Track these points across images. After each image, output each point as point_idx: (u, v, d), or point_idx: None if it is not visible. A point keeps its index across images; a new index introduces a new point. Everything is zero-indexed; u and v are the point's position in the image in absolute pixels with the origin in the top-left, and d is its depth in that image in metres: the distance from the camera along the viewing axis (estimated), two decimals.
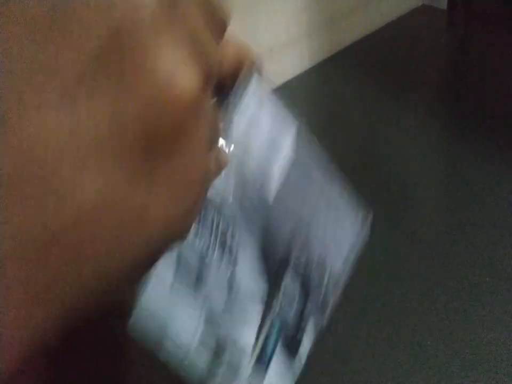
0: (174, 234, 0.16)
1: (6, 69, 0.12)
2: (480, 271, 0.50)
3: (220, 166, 0.19)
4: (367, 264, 0.52)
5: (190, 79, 0.14)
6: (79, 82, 0.12)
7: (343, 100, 0.82)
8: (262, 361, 0.28)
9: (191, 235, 0.25)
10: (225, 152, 0.22)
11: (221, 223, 0.27)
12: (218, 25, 0.17)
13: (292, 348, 0.29)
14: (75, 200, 0.13)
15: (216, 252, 0.26)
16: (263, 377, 0.28)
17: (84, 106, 0.12)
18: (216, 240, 0.26)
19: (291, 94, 0.84)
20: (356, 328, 0.47)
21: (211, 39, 0.16)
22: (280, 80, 0.88)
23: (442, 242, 0.54)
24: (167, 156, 0.14)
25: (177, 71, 0.14)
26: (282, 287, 0.29)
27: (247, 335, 0.28)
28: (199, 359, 0.25)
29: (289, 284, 0.29)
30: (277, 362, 0.29)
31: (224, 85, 0.29)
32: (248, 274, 0.28)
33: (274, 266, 0.29)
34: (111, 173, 0.13)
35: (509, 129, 0.71)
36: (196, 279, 0.26)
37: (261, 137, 0.28)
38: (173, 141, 0.14)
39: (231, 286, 0.27)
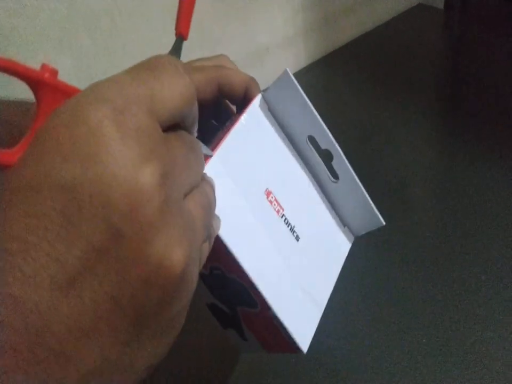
0: (156, 365, 0.18)
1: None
2: (476, 270, 0.51)
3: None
4: (363, 264, 0.52)
5: (178, 260, 0.16)
6: (84, 271, 0.15)
7: (339, 99, 0.82)
8: None
9: None
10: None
11: None
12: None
13: None
14: (80, 366, 0.15)
15: None
16: None
17: (88, 291, 0.15)
18: None
19: None
20: (351, 326, 0.47)
21: (202, 225, 0.19)
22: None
23: (438, 241, 0.55)
24: (155, 319, 0.17)
25: (167, 254, 0.16)
26: None
27: None
28: None
29: None
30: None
31: (229, 108, 0.33)
32: None
33: None
34: (106, 341, 0.16)
35: (505, 128, 0.71)
36: None
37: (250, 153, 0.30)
38: (161, 310, 0.17)
39: None
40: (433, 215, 0.59)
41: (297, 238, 0.30)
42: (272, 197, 0.29)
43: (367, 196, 0.32)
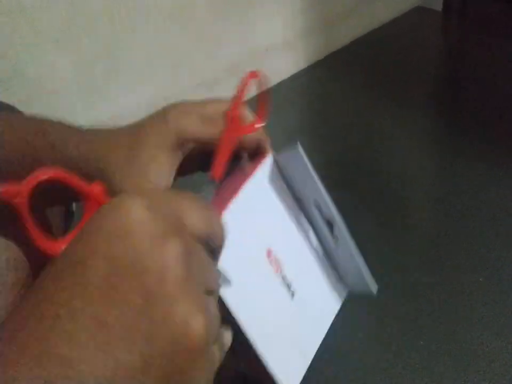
0: None
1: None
2: (474, 273, 0.51)
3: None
4: None
5: (200, 324, 0.18)
6: (121, 330, 0.17)
7: (338, 100, 0.83)
8: None
9: None
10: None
11: None
12: None
13: None
14: None
15: None
16: None
17: (123, 349, 0.17)
18: None
19: (286, 93, 0.84)
20: (350, 328, 0.47)
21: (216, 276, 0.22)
22: (275, 79, 0.88)
23: (437, 243, 0.55)
24: (182, 376, 0.18)
25: (191, 316, 0.18)
26: None
27: None
28: None
29: None
30: None
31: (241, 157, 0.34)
32: None
33: None
34: None
35: (504, 129, 0.71)
36: None
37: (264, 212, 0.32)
38: (185, 372, 0.18)
39: None
40: (431, 216, 0.60)
41: (292, 294, 0.32)
42: (272, 256, 0.31)
43: (362, 269, 0.34)
